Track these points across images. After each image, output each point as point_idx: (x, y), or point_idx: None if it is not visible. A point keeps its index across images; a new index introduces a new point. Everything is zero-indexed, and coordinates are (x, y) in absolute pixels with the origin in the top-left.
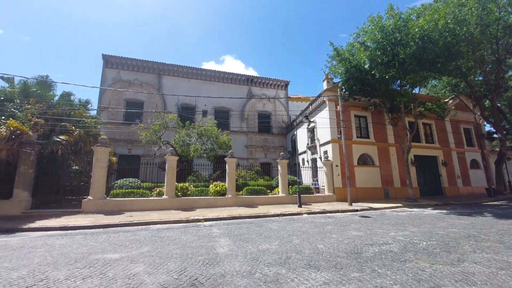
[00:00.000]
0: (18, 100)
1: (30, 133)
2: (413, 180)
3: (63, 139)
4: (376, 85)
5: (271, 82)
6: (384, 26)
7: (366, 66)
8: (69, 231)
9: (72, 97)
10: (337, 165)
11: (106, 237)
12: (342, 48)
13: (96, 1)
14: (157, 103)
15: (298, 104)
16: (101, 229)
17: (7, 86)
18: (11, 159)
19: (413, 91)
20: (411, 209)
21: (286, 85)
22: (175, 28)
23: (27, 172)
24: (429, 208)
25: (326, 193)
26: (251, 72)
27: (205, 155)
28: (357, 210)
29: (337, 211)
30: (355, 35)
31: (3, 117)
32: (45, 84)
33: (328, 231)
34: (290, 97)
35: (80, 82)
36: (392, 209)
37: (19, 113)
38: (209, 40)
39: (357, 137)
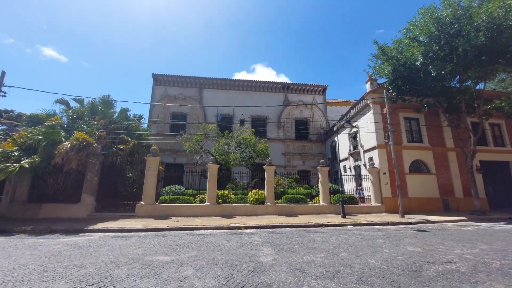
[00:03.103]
0: (87, 118)
1: (95, 144)
2: (480, 189)
3: (121, 149)
4: (430, 83)
5: (307, 87)
6: (440, 17)
7: (417, 63)
8: (126, 233)
9: (128, 113)
10: (384, 173)
11: (157, 240)
12: (388, 46)
13: (143, 27)
14: (199, 115)
15: (337, 109)
16: (152, 232)
17: (79, 106)
18: (80, 168)
19: (476, 87)
20: (479, 223)
21: (324, 89)
22: (204, 42)
23: (93, 180)
24: (501, 223)
25: (373, 203)
26: (283, 78)
27: (243, 163)
28: (410, 223)
29: (387, 224)
30: (404, 30)
31: (75, 133)
32: (107, 102)
33: (379, 245)
34: (328, 102)
35: (134, 99)
36: (454, 223)
37: (87, 128)
38: (238, 50)
39: (407, 141)
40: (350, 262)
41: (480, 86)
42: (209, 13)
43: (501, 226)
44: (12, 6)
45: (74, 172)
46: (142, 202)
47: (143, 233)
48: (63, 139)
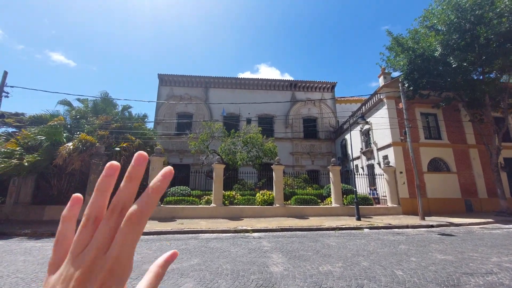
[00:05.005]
0: (90, 118)
1: (98, 144)
2: (505, 189)
3: (125, 149)
4: (450, 75)
5: (315, 85)
6: (459, 3)
7: (436, 54)
8: None
9: (131, 110)
10: (401, 172)
11: (159, 245)
12: (403, 37)
13: (148, 30)
14: (205, 115)
15: (347, 106)
16: (154, 236)
17: (82, 106)
18: (83, 169)
19: (501, 80)
20: (508, 226)
21: (332, 87)
22: (207, 43)
23: (96, 181)
24: None
25: (389, 204)
26: (288, 78)
27: (250, 163)
28: (432, 226)
29: (407, 227)
30: (420, 18)
31: (78, 132)
32: (108, 101)
33: (403, 252)
34: (337, 99)
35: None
36: (481, 226)
37: (88, 127)
38: (242, 50)
39: (425, 138)
40: (373, 273)
41: (505, 78)
42: (213, 14)
43: None
44: (20, 12)
45: (78, 173)
46: None
47: (145, 237)
48: (64, 139)
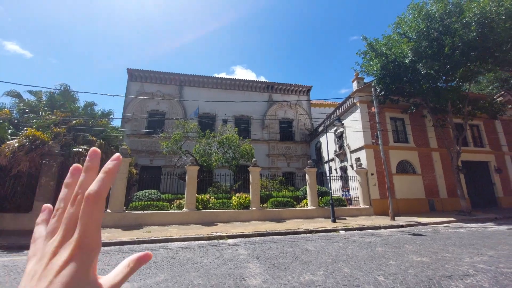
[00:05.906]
0: (43, 112)
1: (51, 143)
2: (464, 189)
3: (84, 149)
4: (418, 82)
5: (292, 88)
6: (429, 13)
7: (407, 61)
8: None
9: (96, 109)
10: (372, 174)
11: (120, 258)
12: (378, 41)
13: (117, 25)
14: (178, 114)
15: (321, 110)
16: (116, 247)
17: (35, 99)
18: (33, 171)
19: (462, 88)
20: (469, 225)
21: (308, 90)
22: (184, 41)
23: (48, 184)
24: (489, 223)
25: (362, 205)
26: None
27: (226, 164)
28: (402, 226)
29: (379, 227)
30: (394, 25)
31: (25, 128)
32: (68, 94)
33: (381, 255)
34: (312, 103)
35: (108, 98)
36: (445, 225)
37: (41, 123)
38: (218, 51)
39: (394, 141)
40: (357, 281)
41: (465, 87)
42: (189, 14)
43: (493, 227)
44: None
45: (25, 175)
46: (108, 210)
47: (105, 248)
48: (9, 136)
